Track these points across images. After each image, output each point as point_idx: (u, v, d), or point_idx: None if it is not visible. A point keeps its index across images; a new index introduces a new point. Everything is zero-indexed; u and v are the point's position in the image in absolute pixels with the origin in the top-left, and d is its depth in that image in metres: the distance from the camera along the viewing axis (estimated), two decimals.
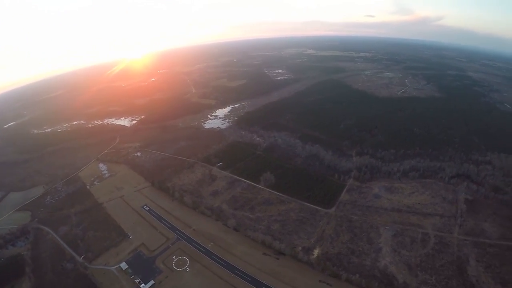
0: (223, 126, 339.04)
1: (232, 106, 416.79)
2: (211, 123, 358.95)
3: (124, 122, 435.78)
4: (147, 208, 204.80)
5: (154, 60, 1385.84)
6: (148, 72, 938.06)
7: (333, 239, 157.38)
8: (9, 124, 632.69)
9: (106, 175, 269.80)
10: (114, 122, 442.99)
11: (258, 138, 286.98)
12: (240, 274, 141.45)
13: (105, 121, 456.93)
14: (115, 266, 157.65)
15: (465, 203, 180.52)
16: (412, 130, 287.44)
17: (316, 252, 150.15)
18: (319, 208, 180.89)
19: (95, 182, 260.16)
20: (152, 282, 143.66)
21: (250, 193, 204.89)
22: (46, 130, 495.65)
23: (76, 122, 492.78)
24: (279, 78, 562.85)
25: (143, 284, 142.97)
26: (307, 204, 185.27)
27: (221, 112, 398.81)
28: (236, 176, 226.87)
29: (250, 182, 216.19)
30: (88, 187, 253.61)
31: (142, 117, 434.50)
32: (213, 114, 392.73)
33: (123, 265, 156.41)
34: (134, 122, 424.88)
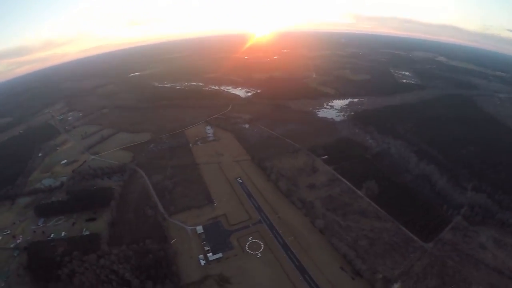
0: (337, 119, 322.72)
1: (351, 99, 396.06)
2: (326, 113, 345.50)
3: (240, 92, 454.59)
4: (241, 181, 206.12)
5: (279, 38, 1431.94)
6: (272, 49, 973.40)
7: (419, 279, 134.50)
8: (134, 74, 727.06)
9: (210, 138, 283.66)
10: (230, 91, 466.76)
11: (370, 141, 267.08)
12: (309, 281, 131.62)
13: (222, 88, 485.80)
14: (191, 227, 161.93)
15: None
16: None
17: (395, 287, 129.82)
18: (415, 238, 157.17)
19: (198, 142, 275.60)
20: (220, 254, 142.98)
21: (348, 197, 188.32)
22: (166, 85, 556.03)
23: (195, 83, 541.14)
24: (404, 81, 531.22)
25: (210, 254, 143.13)
26: (404, 229, 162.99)
27: (339, 103, 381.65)
28: (338, 175, 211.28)
29: (351, 186, 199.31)
30: (190, 145, 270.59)
31: (258, 91, 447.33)
32: (330, 104, 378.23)
33: (199, 229, 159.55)
34: (249, 94, 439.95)
